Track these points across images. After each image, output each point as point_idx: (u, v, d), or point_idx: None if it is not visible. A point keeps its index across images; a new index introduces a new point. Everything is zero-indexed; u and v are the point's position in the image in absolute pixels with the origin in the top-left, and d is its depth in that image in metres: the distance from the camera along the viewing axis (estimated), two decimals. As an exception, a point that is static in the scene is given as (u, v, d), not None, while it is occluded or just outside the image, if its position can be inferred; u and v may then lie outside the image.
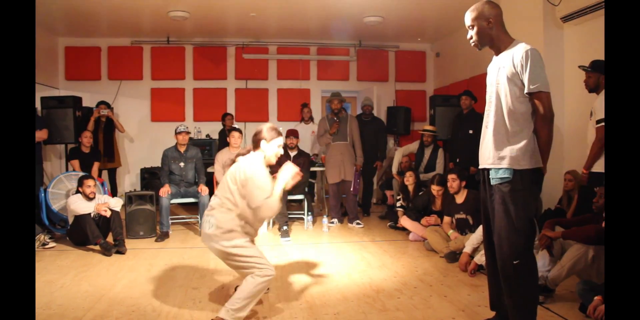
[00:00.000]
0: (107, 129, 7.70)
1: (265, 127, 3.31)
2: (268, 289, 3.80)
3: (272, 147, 3.30)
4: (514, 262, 2.65)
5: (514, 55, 2.64)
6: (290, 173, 3.24)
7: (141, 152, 8.90)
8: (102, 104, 7.68)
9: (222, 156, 6.44)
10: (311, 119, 8.37)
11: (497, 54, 2.81)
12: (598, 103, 4.03)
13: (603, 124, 3.86)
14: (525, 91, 2.62)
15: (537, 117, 2.66)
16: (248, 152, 3.35)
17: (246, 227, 3.19)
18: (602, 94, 4.05)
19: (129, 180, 9.06)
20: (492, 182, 2.73)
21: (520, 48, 2.64)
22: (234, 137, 6.40)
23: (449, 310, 3.42)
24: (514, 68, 2.64)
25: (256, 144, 3.32)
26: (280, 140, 3.34)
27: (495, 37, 2.76)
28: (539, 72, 2.59)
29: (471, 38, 2.81)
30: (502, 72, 2.71)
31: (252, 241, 3.32)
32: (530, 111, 2.68)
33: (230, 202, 3.15)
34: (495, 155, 2.72)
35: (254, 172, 3.11)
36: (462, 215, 4.96)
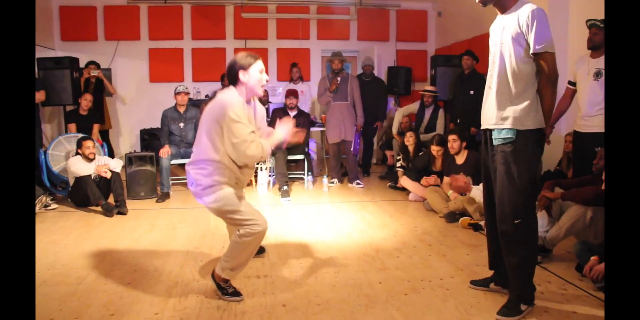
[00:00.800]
0: (97, 90, 7.55)
1: (237, 57, 2.85)
2: (264, 250, 3.81)
3: (254, 75, 2.83)
4: (515, 222, 2.66)
5: (520, 15, 2.58)
6: (287, 130, 2.98)
7: (140, 113, 8.85)
8: (92, 64, 7.55)
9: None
10: (300, 78, 8.28)
11: (501, 13, 2.74)
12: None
13: None
14: (531, 51, 2.57)
15: (542, 78, 2.62)
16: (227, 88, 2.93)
17: (231, 179, 2.88)
18: None
19: (129, 142, 9.04)
20: (495, 143, 2.72)
21: (526, 8, 2.58)
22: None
23: (447, 270, 3.47)
24: (519, 28, 2.58)
25: (234, 77, 2.84)
26: (260, 65, 2.87)
27: None
28: (544, 32, 2.54)
29: None
30: (506, 32, 2.65)
31: (241, 194, 3.06)
32: (534, 72, 2.64)
33: (206, 152, 2.81)
34: (498, 116, 2.70)
35: (229, 104, 2.72)
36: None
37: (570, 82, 4.36)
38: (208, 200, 2.86)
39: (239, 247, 2.90)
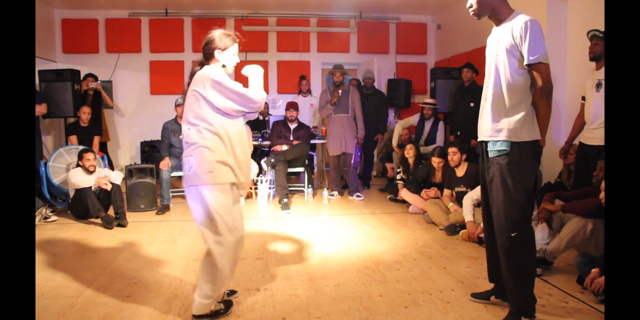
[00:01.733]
0: (95, 102, 7.55)
1: (216, 34, 2.88)
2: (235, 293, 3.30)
3: (229, 57, 2.91)
4: (512, 235, 2.66)
5: (513, 27, 2.60)
6: (258, 69, 2.98)
7: (141, 126, 8.86)
8: (90, 76, 7.56)
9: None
10: (309, 91, 8.31)
11: (497, 25, 2.76)
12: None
13: None
14: (525, 62, 2.58)
15: (536, 90, 2.63)
16: (201, 65, 2.93)
17: (229, 157, 2.77)
18: None
19: (129, 154, 9.05)
20: (490, 155, 2.73)
21: (519, 19, 2.60)
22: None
23: (448, 282, 3.46)
24: (513, 39, 2.60)
25: (209, 54, 2.88)
26: (236, 48, 2.94)
27: (495, 7, 2.71)
28: (538, 43, 2.55)
29: (471, 6, 2.76)
30: (501, 44, 2.67)
31: (236, 196, 2.92)
32: (529, 83, 2.65)
33: (199, 133, 2.74)
34: (493, 128, 2.71)
35: (217, 76, 2.74)
36: (462, 189, 4.97)
37: (583, 98, 4.36)
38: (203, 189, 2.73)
39: (209, 267, 2.79)
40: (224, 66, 2.93)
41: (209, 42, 2.88)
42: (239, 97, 2.75)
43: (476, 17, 2.78)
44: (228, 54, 2.90)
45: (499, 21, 2.74)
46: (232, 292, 3.19)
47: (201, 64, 2.94)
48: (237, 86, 2.76)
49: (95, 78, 7.61)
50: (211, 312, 2.85)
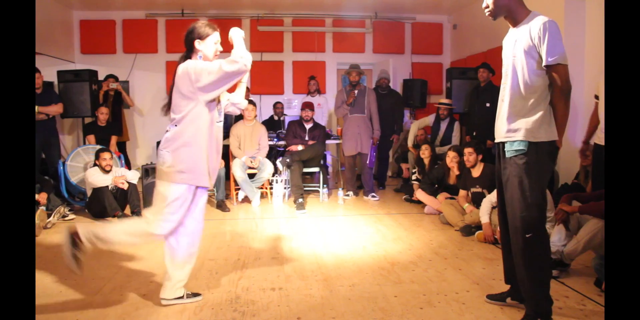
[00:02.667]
0: (115, 102, 7.64)
1: (196, 25, 2.88)
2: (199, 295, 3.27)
3: (209, 46, 2.89)
4: (527, 236, 2.64)
5: (531, 28, 2.58)
6: (237, 31, 2.94)
7: (157, 125, 8.90)
8: (111, 77, 7.65)
9: (237, 129, 6.48)
10: (317, 91, 8.29)
11: (513, 26, 2.74)
12: None
13: None
14: (543, 64, 2.57)
15: (554, 90, 2.62)
16: (184, 59, 2.92)
17: (198, 139, 2.87)
18: None
19: (145, 153, 9.12)
20: (507, 155, 2.71)
21: (538, 20, 2.58)
22: (248, 110, 6.42)
23: (463, 283, 3.44)
24: (531, 40, 2.58)
25: (190, 45, 2.88)
26: (217, 36, 2.92)
27: (512, 8, 2.70)
28: (557, 44, 2.54)
29: (487, 7, 2.74)
30: (518, 45, 2.66)
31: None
32: (546, 84, 2.63)
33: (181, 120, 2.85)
34: (510, 128, 2.69)
35: (192, 63, 2.79)
36: (478, 189, 4.95)
37: (596, 96, 4.33)
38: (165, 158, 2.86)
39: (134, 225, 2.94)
40: (205, 57, 2.89)
41: (188, 33, 2.87)
42: (217, 66, 2.72)
43: (492, 17, 2.77)
44: (209, 43, 2.88)
45: (515, 22, 2.72)
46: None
47: (185, 58, 2.93)
48: (211, 64, 2.75)
49: (116, 79, 7.69)
50: (75, 234, 2.87)
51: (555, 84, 2.59)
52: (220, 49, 2.93)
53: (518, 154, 2.66)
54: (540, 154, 2.64)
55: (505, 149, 2.73)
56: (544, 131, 2.63)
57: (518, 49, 2.66)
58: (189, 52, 2.92)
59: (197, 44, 2.84)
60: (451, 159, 5.47)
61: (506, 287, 3.06)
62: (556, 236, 3.62)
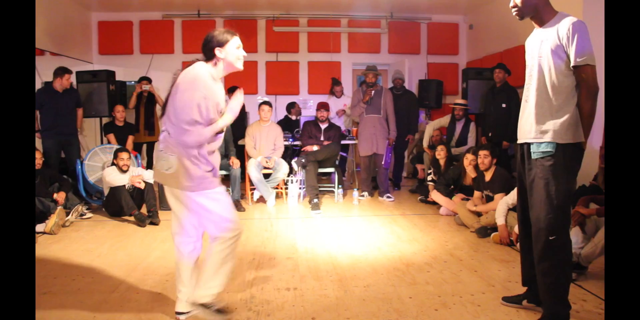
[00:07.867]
0: (149, 103, 7.71)
1: (214, 33, 2.69)
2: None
3: (231, 51, 2.68)
4: (550, 238, 2.62)
5: (559, 28, 2.56)
6: (240, 102, 2.75)
7: (173, 126, 8.97)
8: (144, 79, 7.68)
9: (252, 129, 6.50)
10: (342, 93, 8.30)
11: (539, 26, 2.72)
12: None
13: None
14: (572, 64, 2.55)
15: (582, 91, 2.59)
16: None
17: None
18: None
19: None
20: (534, 156, 2.68)
21: (566, 21, 2.56)
22: (264, 111, 6.44)
23: (479, 285, 3.42)
24: (559, 40, 2.56)
25: (209, 53, 2.68)
26: (238, 41, 2.72)
27: (539, 7, 2.67)
28: (585, 44, 2.52)
29: (515, 6, 2.72)
30: (545, 45, 2.63)
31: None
32: (574, 85, 2.61)
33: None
34: (537, 129, 2.66)
35: (190, 72, 2.62)
36: (489, 193, 4.92)
37: None
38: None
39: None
40: (229, 65, 2.72)
41: (206, 42, 2.69)
42: (196, 127, 2.56)
43: (519, 17, 2.74)
44: (230, 49, 2.68)
45: (542, 22, 2.69)
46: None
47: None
48: (190, 93, 2.54)
49: (149, 81, 7.72)
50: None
51: (583, 85, 2.57)
52: (244, 53, 2.74)
53: (545, 155, 2.63)
54: (567, 155, 2.61)
55: (532, 150, 2.70)
56: (572, 133, 2.60)
57: (544, 49, 2.63)
58: (208, 59, 2.71)
59: (218, 51, 2.66)
60: (469, 161, 5.44)
61: (522, 290, 3.04)
62: (573, 239, 3.55)
